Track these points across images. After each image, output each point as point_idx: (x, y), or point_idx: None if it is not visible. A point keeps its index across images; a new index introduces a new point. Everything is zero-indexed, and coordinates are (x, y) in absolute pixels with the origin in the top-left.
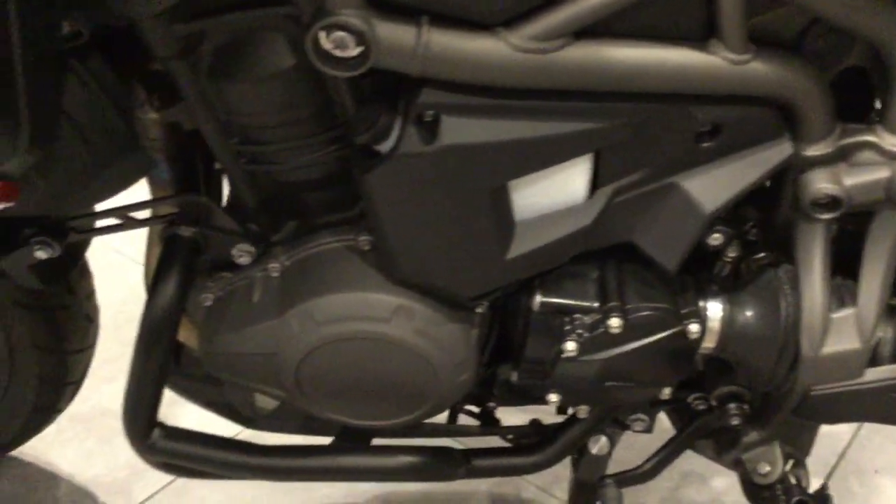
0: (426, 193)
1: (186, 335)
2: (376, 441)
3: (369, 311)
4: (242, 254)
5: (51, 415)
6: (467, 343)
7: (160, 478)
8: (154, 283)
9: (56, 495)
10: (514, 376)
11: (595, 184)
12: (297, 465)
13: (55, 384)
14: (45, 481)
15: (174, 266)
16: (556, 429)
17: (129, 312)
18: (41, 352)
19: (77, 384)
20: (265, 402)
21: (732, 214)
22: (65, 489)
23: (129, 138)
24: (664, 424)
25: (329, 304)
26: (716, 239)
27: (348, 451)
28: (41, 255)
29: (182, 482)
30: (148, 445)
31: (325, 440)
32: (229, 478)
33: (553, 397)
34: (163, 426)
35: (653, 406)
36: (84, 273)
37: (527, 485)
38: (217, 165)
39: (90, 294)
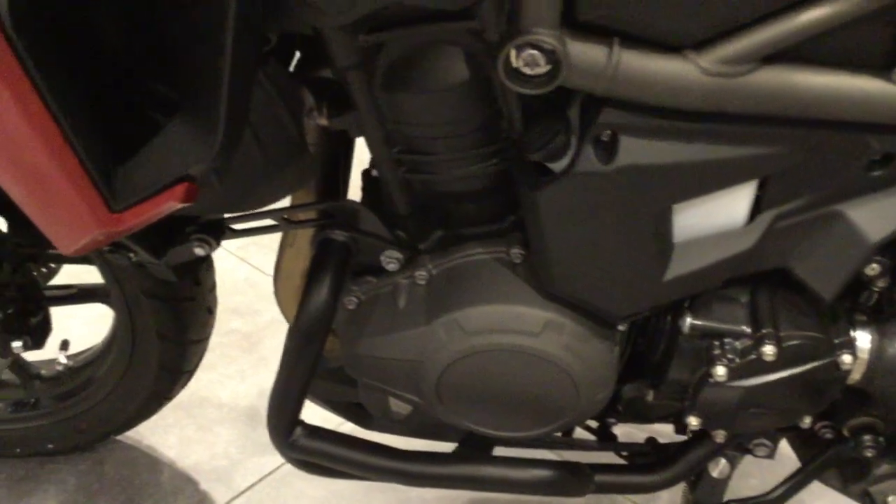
0: (595, 212)
1: None
2: (498, 451)
3: (520, 325)
4: (391, 260)
5: (162, 402)
6: (609, 361)
7: (259, 468)
8: (307, 285)
9: (159, 480)
10: (650, 396)
11: (757, 208)
12: (432, 472)
13: (172, 373)
14: (148, 466)
15: (327, 269)
16: (678, 449)
17: (226, 303)
18: (164, 341)
19: (191, 373)
20: (399, 407)
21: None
22: (167, 475)
23: (299, 143)
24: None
25: (479, 315)
26: (873, 269)
27: (485, 462)
28: (199, 252)
29: (281, 473)
30: (290, 443)
31: (447, 446)
32: (364, 478)
33: (693, 420)
34: (305, 425)
35: (778, 432)
36: (209, 266)
37: (623, 499)
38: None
39: (213, 287)
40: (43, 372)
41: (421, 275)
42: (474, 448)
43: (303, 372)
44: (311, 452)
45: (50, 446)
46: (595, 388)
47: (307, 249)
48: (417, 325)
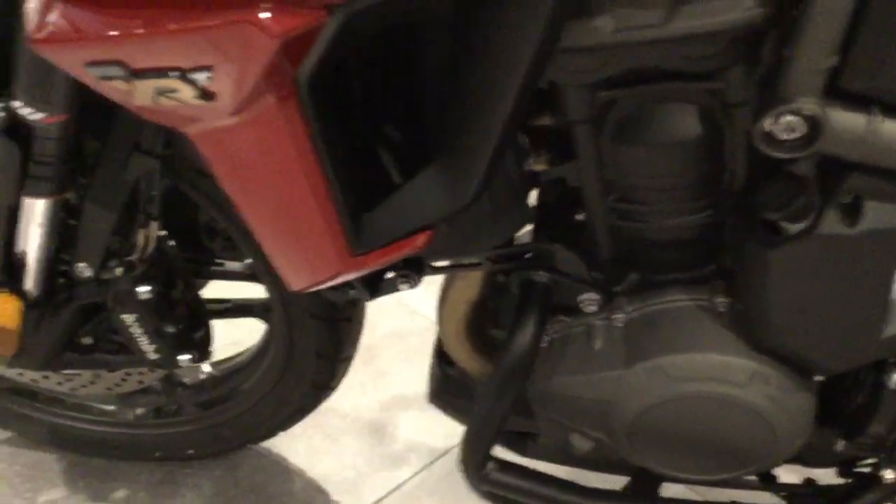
0: (829, 272)
1: (466, 359)
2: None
3: (727, 374)
4: (590, 302)
5: (304, 415)
6: (809, 411)
7: (387, 482)
8: (513, 326)
9: (291, 489)
10: (840, 445)
11: None
12: None
13: (321, 389)
14: (280, 474)
15: (532, 310)
16: (848, 492)
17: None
18: (320, 359)
19: (334, 389)
20: (581, 443)
21: None
22: (299, 484)
23: (520, 187)
24: None
25: (684, 362)
26: None
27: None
28: (403, 288)
29: (409, 488)
30: (481, 476)
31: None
32: None
33: (890, 475)
34: (497, 460)
35: None
36: None
37: None
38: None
39: (364, 307)
40: (186, 380)
41: (618, 317)
42: (644, 484)
43: (502, 409)
44: (502, 487)
45: (190, 452)
46: (794, 437)
47: (478, 281)
48: (615, 368)
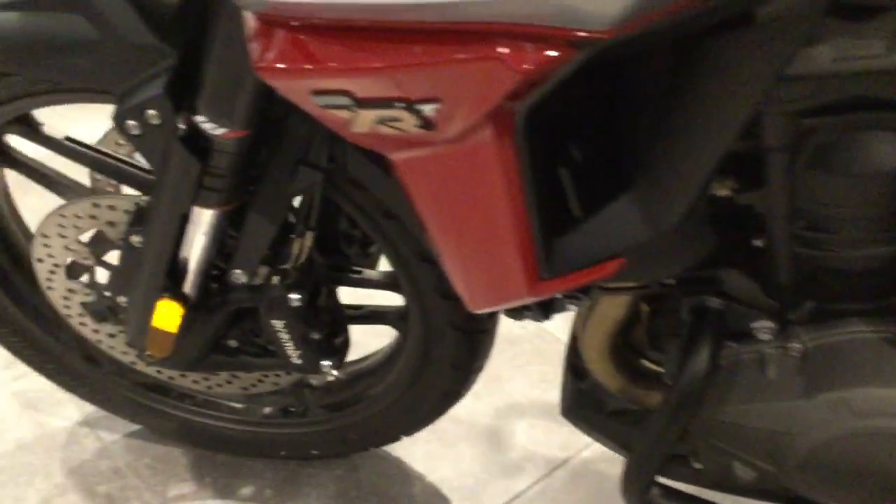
0: None
1: (606, 375)
2: None
3: None
4: (765, 330)
5: (430, 422)
6: None
7: (506, 490)
8: (685, 352)
9: (412, 493)
10: None
11: None
12: None
13: (450, 398)
14: (400, 478)
15: (705, 337)
16: None
17: None
18: (454, 370)
19: (460, 398)
20: (743, 472)
21: None
22: (419, 488)
23: (705, 213)
24: None
25: (872, 396)
26: None
27: None
28: (571, 308)
29: (528, 497)
30: (645, 501)
31: None
32: None
33: None
34: (661, 485)
35: None
36: None
37: None
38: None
39: (499, 318)
40: (314, 382)
41: (794, 346)
42: None
43: (672, 433)
44: None
45: (314, 452)
46: None
47: (626, 300)
48: (792, 398)
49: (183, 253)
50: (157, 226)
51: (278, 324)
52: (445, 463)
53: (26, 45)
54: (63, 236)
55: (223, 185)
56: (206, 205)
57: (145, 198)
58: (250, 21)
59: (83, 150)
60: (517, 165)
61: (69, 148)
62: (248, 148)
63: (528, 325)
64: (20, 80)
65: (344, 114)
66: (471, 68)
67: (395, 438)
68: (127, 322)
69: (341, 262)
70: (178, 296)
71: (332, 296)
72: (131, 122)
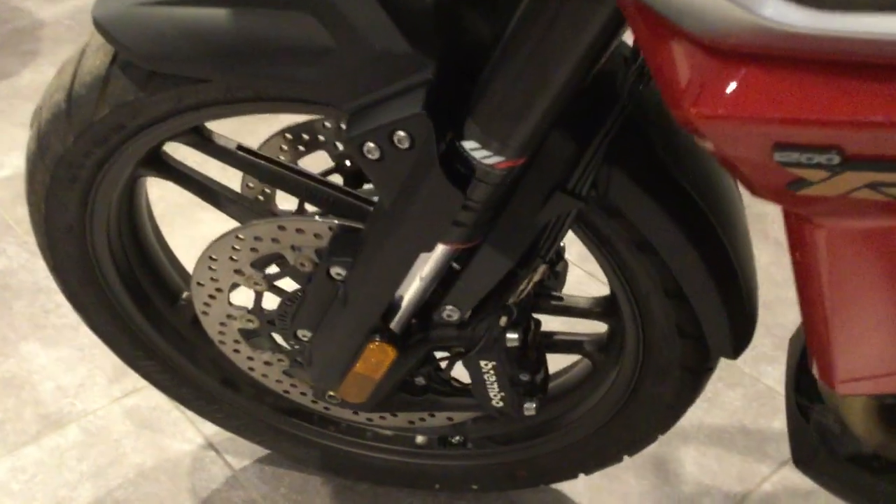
0: None
1: (864, 429)
2: None
3: None
4: None
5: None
6: None
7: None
8: None
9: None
10: None
11: None
12: None
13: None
14: None
15: None
16: None
17: None
18: (670, 409)
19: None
20: None
21: None
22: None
23: None
24: None
25: None
26: None
27: None
28: None
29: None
30: None
31: None
32: None
33: None
34: None
35: None
36: None
37: None
38: None
39: None
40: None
41: None
42: None
43: None
44: None
45: (474, 487)
46: None
47: None
48: None
49: (401, 290)
50: (383, 262)
51: (486, 365)
52: (611, 498)
53: (235, 49)
54: (234, 259)
55: (472, 220)
56: (450, 241)
57: (338, 222)
58: (683, 49)
59: (263, 162)
60: None
61: (243, 159)
62: (512, 179)
63: None
64: (215, 87)
65: (814, 173)
66: None
67: (569, 477)
68: (313, 361)
69: (540, 289)
70: (392, 339)
71: (538, 329)
72: (371, 145)
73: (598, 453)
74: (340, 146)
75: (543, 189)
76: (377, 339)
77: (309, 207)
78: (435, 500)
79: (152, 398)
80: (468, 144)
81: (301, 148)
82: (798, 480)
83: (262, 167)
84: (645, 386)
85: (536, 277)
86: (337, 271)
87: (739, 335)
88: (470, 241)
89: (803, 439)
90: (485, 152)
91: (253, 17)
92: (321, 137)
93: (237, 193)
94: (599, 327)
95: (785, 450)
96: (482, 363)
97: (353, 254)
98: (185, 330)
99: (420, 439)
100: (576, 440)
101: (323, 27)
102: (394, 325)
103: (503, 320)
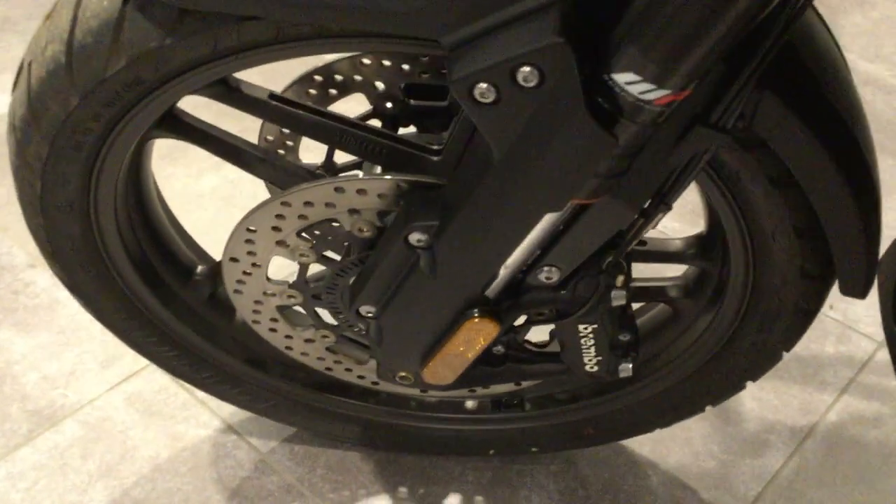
0: None
1: None
2: None
3: None
4: None
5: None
6: None
7: (757, 470)
8: None
9: (649, 486)
10: None
11: None
12: None
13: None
14: (628, 468)
15: None
16: None
17: None
18: (769, 355)
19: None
20: None
21: None
22: (656, 480)
23: None
24: None
25: None
26: None
27: None
28: None
29: (786, 476)
30: None
31: None
32: None
33: None
34: None
35: None
36: None
37: None
38: None
39: None
40: None
41: None
42: None
43: None
44: None
45: (534, 449)
46: None
47: None
48: None
49: None
50: (496, 226)
51: (586, 329)
52: (675, 446)
53: None
54: (278, 229)
55: (613, 170)
56: (582, 196)
57: (412, 178)
58: None
59: (302, 112)
60: None
61: (278, 111)
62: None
63: None
64: (263, 24)
65: None
66: None
67: (638, 433)
68: (384, 341)
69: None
70: (493, 312)
71: (631, 282)
72: (485, 86)
73: (679, 405)
74: (381, 86)
75: (680, 122)
76: (476, 313)
77: (337, 158)
78: (487, 466)
79: (155, 380)
80: (623, 77)
81: (333, 91)
82: (862, 406)
83: (302, 118)
84: (747, 333)
85: (655, 226)
86: (418, 238)
87: (871, 272)
88: (602, 193)
89: None
90: (646, 85)
91: None
92: (357, 77)
93: (267, 151)
94: (674, 269)
95: (844, 375)
96: (581, 327)
97: (439, 216)
98: (201, 308)
99: (470, 404)
100: (655, 392)
101: None
102: (490, 293)
103: (620, 279)
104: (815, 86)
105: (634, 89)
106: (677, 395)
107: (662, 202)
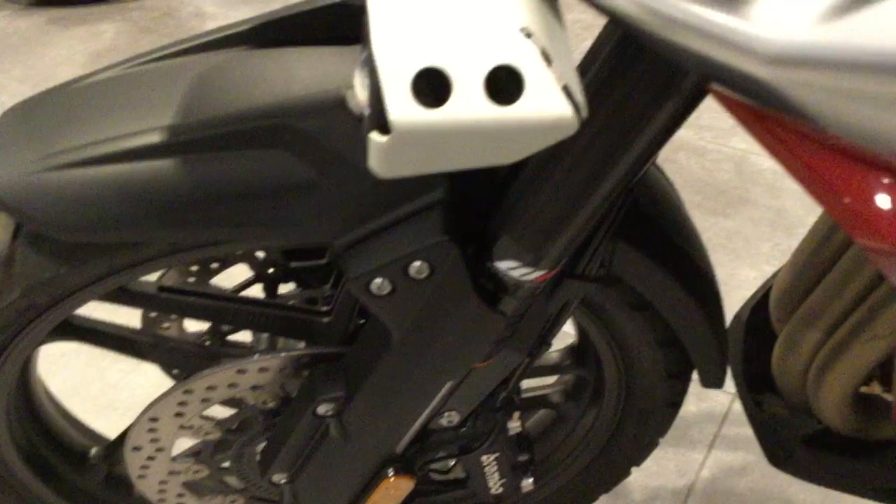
0: None
1: (838, 417)
2: None
3: None
4: None
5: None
6: None
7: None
8: None
9: None
10: None
11: None
12: None
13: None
14: None
15: None
16: None
17: None
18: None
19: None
20: None
21: None
22: None
23: None
24: None
25: None
26: None
27: None
28: None
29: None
30: None
31: None
32: None
33: None
34: None
35: None
36: None
37: None
38: None
39: None
40: None
41: None
42: None
43: None
44: None
45: None
46: None
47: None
48: None
49: None
50: (403, 395)
51: (489, 458)
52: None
53: (188, 202)
54: (181, 415)
55: (504, 335)
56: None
57: (311, 351)
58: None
59: (194, 299)
60: None
61: (168, 302)
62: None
63: None
64: (158, 243)
65: None
66: None
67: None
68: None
69: None
70: (407, 467)
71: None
72: (380, 280)
73: (575, 500)
74: (261, 254)
75: (551, 280)
76: (391, 473)
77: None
78: None
79: None
80: (504, 264)
81: (214, 266)
82: (729, 458)
83: (192, 304)
84: (628, 427)
85: (539, 358)
86: (325, 409)
87: (724, 364)
88: (495, 355)
89: (770, 440)
90: (524, 269)
91: (207, 163)
92: (237, 252)
93: (165, 337)
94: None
95: (709, 431)
96: (483, 458)
97: (344, 387)
98: (97, 490)
99: None
100: (552, 491)
101: (300, 162)
102: (399, 448)
103: (516, 415)
104: (656, 227)
105: (515, 273)
106: (572, 491)
107: (544, 343)
